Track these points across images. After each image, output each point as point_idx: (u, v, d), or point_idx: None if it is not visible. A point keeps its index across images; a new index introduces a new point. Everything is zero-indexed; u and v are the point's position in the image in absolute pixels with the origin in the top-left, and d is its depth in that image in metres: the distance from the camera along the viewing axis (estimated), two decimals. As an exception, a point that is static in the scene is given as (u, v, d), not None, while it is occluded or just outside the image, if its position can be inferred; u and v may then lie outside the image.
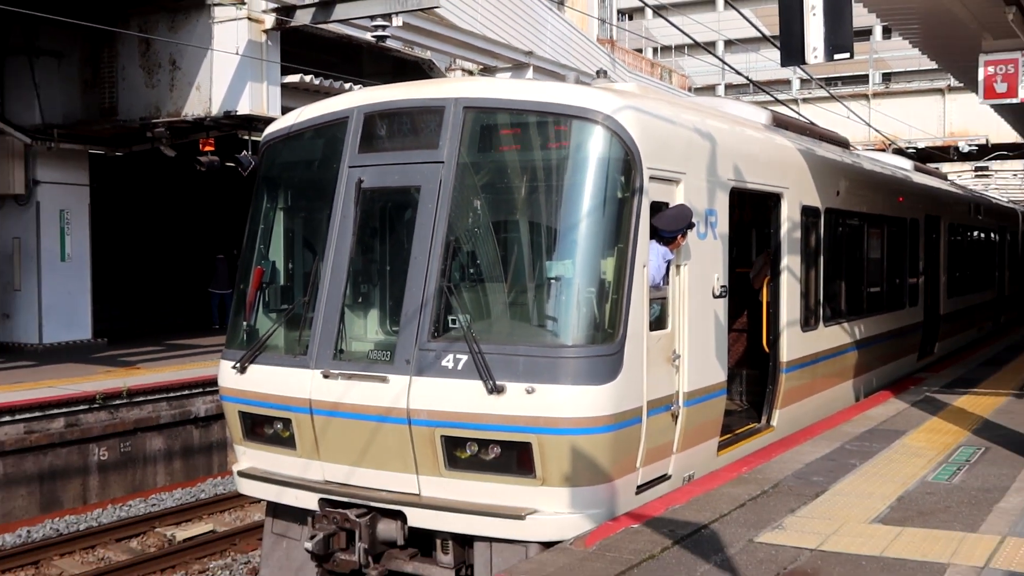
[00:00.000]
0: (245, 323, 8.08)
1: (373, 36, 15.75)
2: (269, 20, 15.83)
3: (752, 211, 10.32)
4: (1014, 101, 8.53)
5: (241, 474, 7.94)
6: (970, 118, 33.28)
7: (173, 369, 15.68)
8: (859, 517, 6.86)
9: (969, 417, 10.69)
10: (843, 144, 13.36)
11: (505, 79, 19.65)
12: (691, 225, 7.52)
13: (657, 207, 7.28)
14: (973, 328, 19.54)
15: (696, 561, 5.92)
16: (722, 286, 8.22)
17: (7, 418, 12.19)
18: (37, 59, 17.97)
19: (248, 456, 7.96)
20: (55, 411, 12.72)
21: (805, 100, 36.75)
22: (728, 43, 60.15)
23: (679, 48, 56.13)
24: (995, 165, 35.83)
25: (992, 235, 21.73)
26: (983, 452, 8.95)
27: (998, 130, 30.76)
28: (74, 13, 14.83)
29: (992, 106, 16.31)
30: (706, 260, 7.99)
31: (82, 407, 13.02)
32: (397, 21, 15.35)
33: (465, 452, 6.76)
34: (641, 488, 7.17)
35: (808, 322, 10.29)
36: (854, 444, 9.29)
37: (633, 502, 7.04)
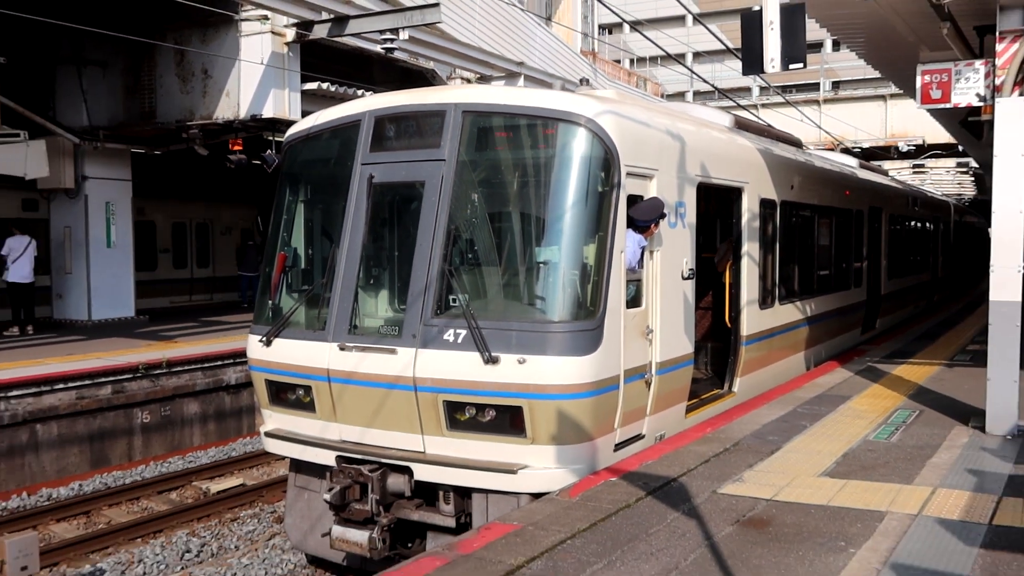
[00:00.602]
0: (270, 302, 8.07)
1: (382, 48, 15.65)
2: (290, 34, 15.74)
3: (717, 203, 10.32)
4: (947, 106, 8.51)
5: (267, 434, 7.96)
6: (909, 121, 33.23)
7: (207, 343, 15.67)
8: (809, 471, 6.91)
9: (906, 384, 10.73)
10: (797, 144, 13.34)
11: (499, 86, 19.56)
12: (663, 215, 7.52)
13: (633, 199, 7.28)
14: (910, 306, 19.60)
15: (666, 510, 5.96)
16: (690, 269, 8.23)
17: (61, 386, 12.19)
18: (84, 69, 17.88)
19: (273, 419, 7.97)
20: (103, 379, 12.71)
21: (764, 105, 36.66)
22: (696, 55, 59.96)
23: (653, 59, 55.89)
24: (930, 163, 35.80)
25: (927, 224, 21.75)
26: (918, 414, 9.00)
27: (933, 132, 30.74)
28: (117, 27, 14.76)
29: (928, 110, 16.25)
30: (676, 246, 7.99)
31: (127, 376, 13.02)
32: (403, 35, 15.24)
33: (464, 415, 6.78)
34: (619, 446, 7.20)
35: (765, 301, 10.31)
36: (805, 408, 9.33)
37: (612, 458, 7.08)
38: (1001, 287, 7.95)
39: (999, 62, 7.96)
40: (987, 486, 6.47)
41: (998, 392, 8.04)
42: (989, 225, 8.04)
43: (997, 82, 7.97)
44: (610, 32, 62.12)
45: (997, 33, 8.02)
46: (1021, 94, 7.88)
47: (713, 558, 5.13)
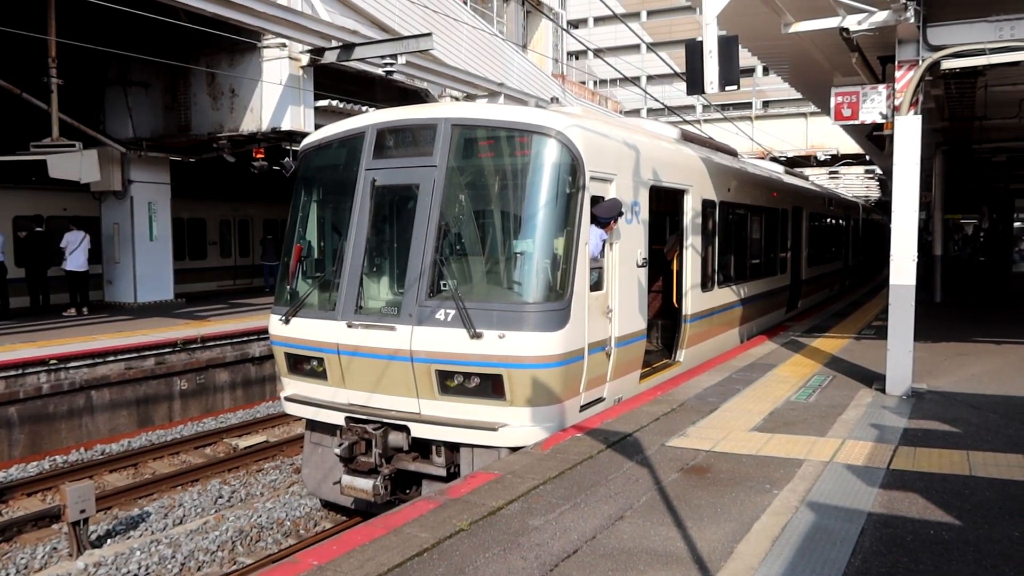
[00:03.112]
0: (288, 287, 8.01)
1: (383, 71, 15.54)
2: (305, 59, 15.58)
3: (666, 202, 10.31)
4: (856, 123, 8.57)
5: (287, 399, 7.92)
6: (825, 135, 33.48)
7: (235, 321, 15.54)
8: (741, 427, 6.97)
9: (822, 354, 10.84)
10: (733, 153, 13.36)
11: (483, 103, 19.43)
12: (621, 213, 7.52)
13: (595, 199, 7.27)
14: (826, 289, 19.74)
15: (623, 460, 5.99)
16: (643, 258, 8.25)
17: (112, 358, 12.06)
18: (129, 89, 17.63)
19: (291, 385, 7.93)
20: (147, 352, 12.59)
21: (706, 120, 36.74)
22: (649, 78, 59.89)
23: (613, 81, 55.78)
24: (843, 170, 36.03)
25: (840, 221, 21.89)
26: (831, 379, 9.10)
27: (846, 144, 30.98)
28: (157, 53, 14.58)
29: (841, 126, 16.39)
30: (632, 239, 8.00)
31: (167, 350, 12.90)
32: (401, 60, 15.15)
33: (453, 382, 6.77)
34: (583, 407, 7.22)
35: (706, 285, 10.34)
36: (739, 374, 9.40)
37: (577, 417, 7.10)
38: (899, 273, 8.05)
39: (898, 86, 8.02)
40: (886, 437, 6.56)
41: (896, 360, 8.15)
42: (890, 222, 8.11)
43: (896, 103, 8.02)
44: (577, 58, 61.87)
45: (896, 62, 8.07)
46: (915, 113, 7.95)
47: (661, 499, 5.17)
